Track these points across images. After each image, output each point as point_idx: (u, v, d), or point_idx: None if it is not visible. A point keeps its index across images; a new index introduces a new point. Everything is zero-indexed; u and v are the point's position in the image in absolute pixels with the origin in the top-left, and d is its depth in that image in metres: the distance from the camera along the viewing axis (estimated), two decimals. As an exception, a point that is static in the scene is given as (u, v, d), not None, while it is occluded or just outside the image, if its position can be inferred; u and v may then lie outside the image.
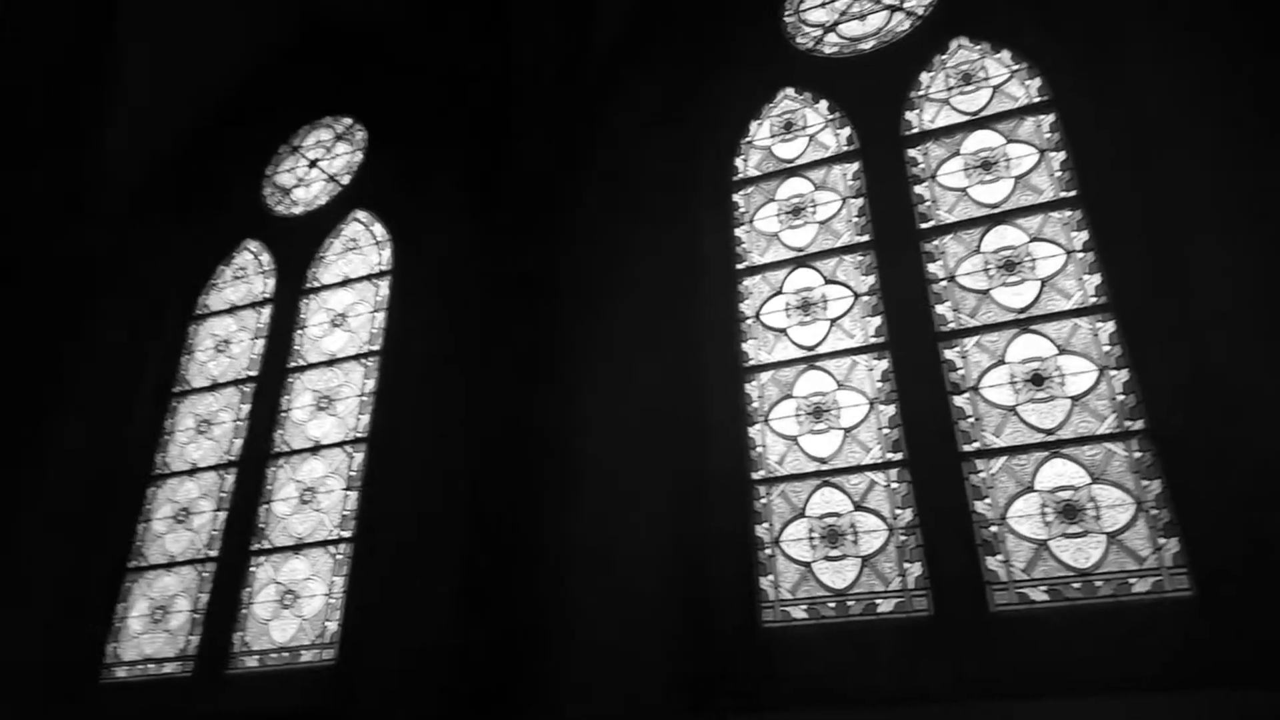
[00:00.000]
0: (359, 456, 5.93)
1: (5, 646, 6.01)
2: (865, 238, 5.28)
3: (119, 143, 7.35)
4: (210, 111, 7.84)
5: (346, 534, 5.66)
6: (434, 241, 6.37)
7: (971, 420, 4.60)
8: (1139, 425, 4.26)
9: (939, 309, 4.91)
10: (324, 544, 5.70)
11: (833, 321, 5.15)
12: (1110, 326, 4.51)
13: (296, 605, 5.57)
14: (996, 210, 5.03)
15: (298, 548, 5.75)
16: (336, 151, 7.42)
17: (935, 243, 5.09)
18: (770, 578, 4.66)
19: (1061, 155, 4.98)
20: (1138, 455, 4.22)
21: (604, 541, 4.87)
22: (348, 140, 7.44)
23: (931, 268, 5.03)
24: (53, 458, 6.67)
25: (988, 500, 4.41)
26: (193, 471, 6.37)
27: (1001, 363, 4.66)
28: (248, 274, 7.13)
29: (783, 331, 5.25)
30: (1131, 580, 4.03)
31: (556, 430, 5.22)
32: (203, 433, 6.53)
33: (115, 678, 5.87)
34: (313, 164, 7.45)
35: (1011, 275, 4.84)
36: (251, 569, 5.80)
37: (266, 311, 6.84)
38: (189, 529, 6.17)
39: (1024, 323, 4.70)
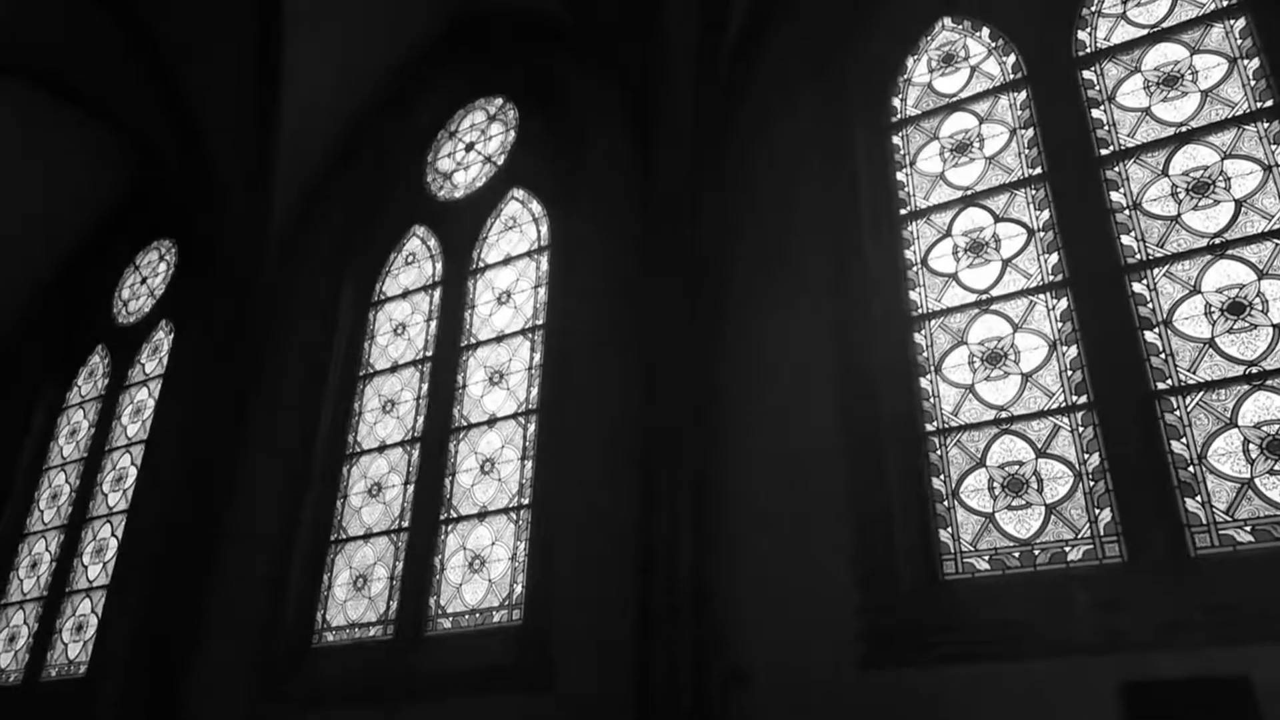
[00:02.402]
0: (531, 427, 6.61)
1: (226, 617, 7.12)
2: (1038, 170, 5.39)
3: (287, 143, 8.38)
4: (370, 105, 8.75)
5: (525, 501, 6.36)
6: (587, 212, 6.94)
7: (1163, 356, 4.67)
8: (1356, 350, 4.22)
9: (1124, 240, 4.97)
10: (505, 511, 6.43)
11: (1006, 262, 5.31)
12: (1319, 245, 4.46)
13: (485, 569, 6.33)
14: (1184, 128, 5.02)
15: (482, 516, 6.51)
16: (491, 133, 8.15)
17: (1116, 169, 5.14)
18: (949, 530, 4.92)
19: (1255, 63, 4.90)
20: (1355, 382, 4.19)
21: (775, 501, 5.26)
22: (501, 120, 8.15)
23: (1114, 196, 5.08)
24: (255, 443, 7.78)
25: (1184, 440, 4.48)
26: (381, 449, 7.29)
27: (1195, 293, 4.69)
28: (418, 259, 8.00)
29: (952, 276, 5.45)
30: (1350, 516, 4.03)
31: (719, 390, 5.65)
32: (388, 412, 7.44)
33: (326, 642, 6.84)
34: (469, 147, 8.22)
35: (1203, 198, 4.84)
36: (441, 537, 6.62)
37: (437, 294, 7.67)
38: (381, 502, 7.09)
39: (1219, 248, 4.71)
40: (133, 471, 8.76)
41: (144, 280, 10.01)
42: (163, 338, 9.43)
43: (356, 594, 6.85)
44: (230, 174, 8.42)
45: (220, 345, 8.15)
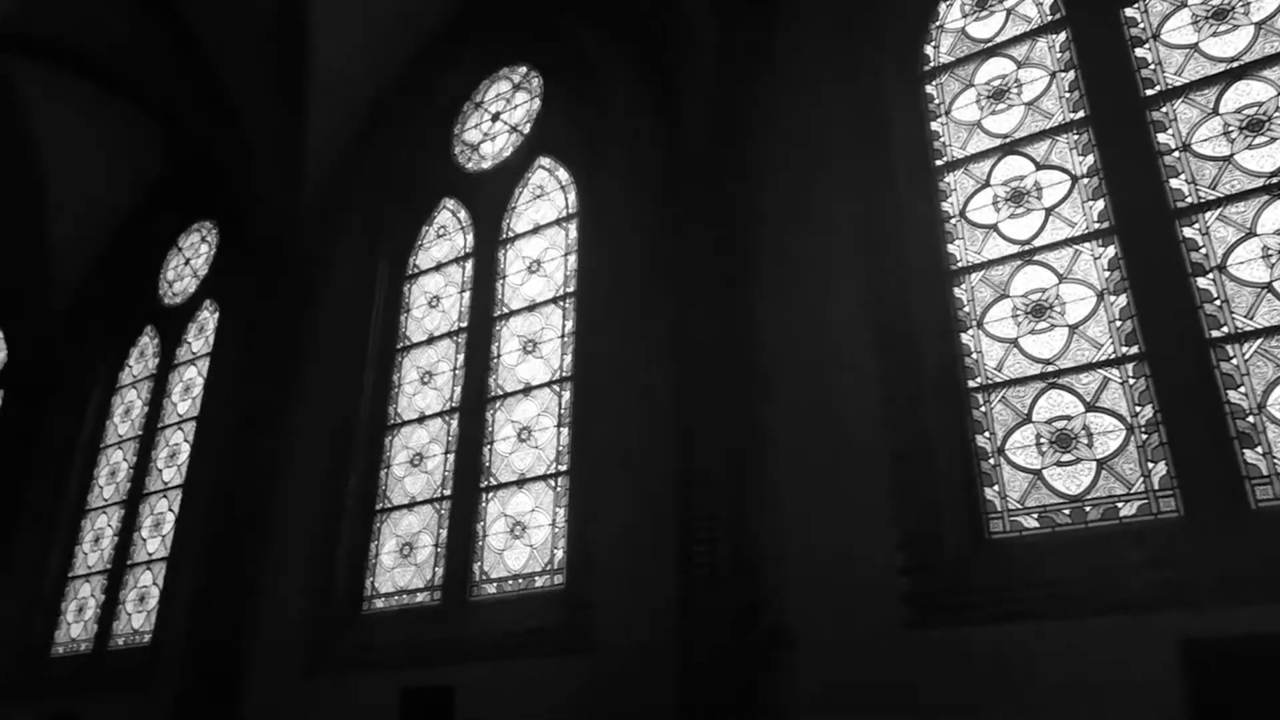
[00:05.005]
0: (566, 395, 6.38)
1: (279, 586, 7.02)
2: (1080, 114, 4.99)
3: (317, 123, 8.12)
4: (397, 80, 8.46)
5: (563, 467, 6.14)
6: (615, 177, 6.61)
7: (1218, 303, 4.30)
8: None
9: (1173, 183, 4.58)
10: (544, 478, 6.21)
11: (1049, 210, 4.94)
12: (1388, 179, 4.06)
13: (526, 535, 6.14)
14: (1235, 64, 4.59)
15: (521, 483, 6.31)
16: (516, 102, 7.82)
17: (1164, 109, 4.73)
18: (996, 488, 4.62)
19: (1315, -11, 4.47)
20: None
21: (815, 461, 4.97)
22: (525, 89, 7.82)
23: (1161, 138, 4.69)
24: (300, 417, 7.63)
25: (1241, 389, 4.13)
26: (421, 419, 7.09)
27: (1251, 235, 4.31)
28: (449, 231, 7.73)
29: (992, 227, 5.08)
30: None
31: (753, 351, 5.35)
32: (426, 383, 7.23)
33: (375, 608, 6.72)
34: (495, 117, 7.90)
35: (1258, 135, 4.43)
36: (483, 504, 6.43)
37: (469, 265, 7.41)
38: (424, 471, 6.90)
39: (1276, 188, 4.30)
40: (185, 447, 8.69)
41: (187, 261, 9.87)
42: (207, 317, 9.31)
43: (403, 561, 6.71)
44: (263, 155, 8.20)
45: (261, 324, 7.99)
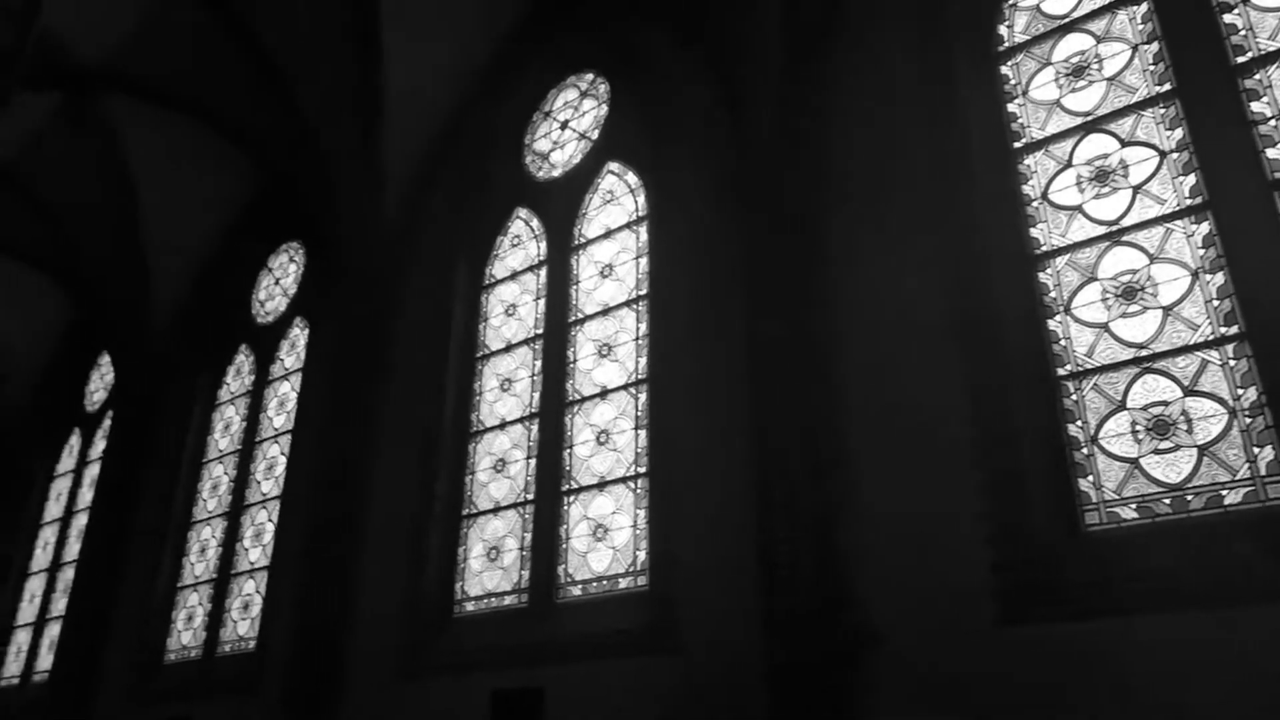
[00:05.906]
0: (642, 397, 6.37)
1: (374, 592, 7.19)
2: (1166, 86, 4.76)
3: (393, 144, 8.31)
4: (468, 95, 8.58)
5: (642, 469, 6.13)
6: (684, 177, 6.59)
7: (1326, 276, 4.05)
8: None
9: (1270, 153, 4.33)
10: (623, 480, 6.22)
11: (1136, 188, 4.72)
12: None
13: (608, 538, 6.16)
14: (1338, 22, 4.33)
15: (601, 485, 6.33)
16: (584, 109, 7.87)
17: (1256, 77, 4.48)
18: (1090, 478, 4.44)
19: None
20: None
21: (899, 457, 4.86)
22: (593, 95, 7.86)
23: (1255, 106, 4.44)
24: (387, 427, 7.82)
25: (1357, 366, 3.88)
26: (503, 425, 7.19)
27: (1361, 203, 4.05)
28: (522, 240, 7.83)
29: (1077, 209, 4.89)
30: None
31: (830, 346, 5.26)
32: (506, 390, 7.33)
33: (465, 611, 6.83)
34: (564, 125, 7.97)
35: (1365, 97, 4.15)
36: (565, 508, 6.48)
37: (543, 272, 7.48)
38: (507, 477, 6.99)
39: (1389, 150, 4.03)
40: (282, 460, 8.98)
41: (277, 281, 10.23)
42: (298, 334, 9.61)
43: (490, 565, 6.81)
44: (343, 176, 8.44)
45: (348, 339, 8.23)
